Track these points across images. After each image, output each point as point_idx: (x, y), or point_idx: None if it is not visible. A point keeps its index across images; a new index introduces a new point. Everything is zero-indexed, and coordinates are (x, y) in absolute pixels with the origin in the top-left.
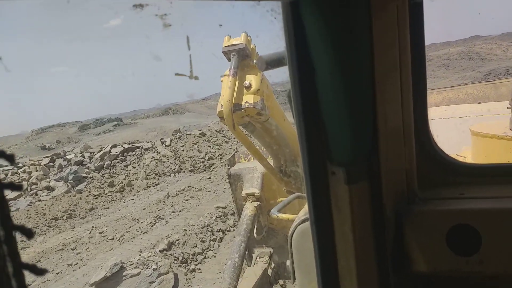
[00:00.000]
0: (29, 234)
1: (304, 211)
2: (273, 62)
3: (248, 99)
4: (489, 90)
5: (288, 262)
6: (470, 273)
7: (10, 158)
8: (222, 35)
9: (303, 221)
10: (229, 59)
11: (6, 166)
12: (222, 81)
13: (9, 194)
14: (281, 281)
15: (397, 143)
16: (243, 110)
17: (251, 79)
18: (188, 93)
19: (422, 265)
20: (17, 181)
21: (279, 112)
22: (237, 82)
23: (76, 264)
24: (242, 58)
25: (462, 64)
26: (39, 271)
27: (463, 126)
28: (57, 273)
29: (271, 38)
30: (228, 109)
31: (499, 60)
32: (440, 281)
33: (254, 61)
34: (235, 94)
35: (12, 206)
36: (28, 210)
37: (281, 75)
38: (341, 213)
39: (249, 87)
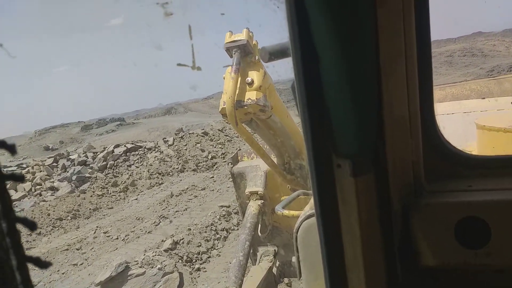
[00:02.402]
0: (32, 226)
1: (310, 206)
2: (277, 53)
3: (251, 95)
4: (492, 85)
5: (293, 259)
6: (479, 266)
7: (12, 149)
8: (225, 24)
9: (309, 216)
10: (231, 56)
11: (10, 167)
12: (224, 78)
13: (13, 194)
14: (286, 280)
15: (403, 134)
16: (245, 107)
17: (254, 76)
18: (191, 84)
19: (430, 258)
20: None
21: (282, 109)
22: (239, 79)
23: (82, 264)
24: (244, 54)
25: (465, 60)
26: (43, 264)
27: (468, 121)
28: (63, 273)
29: (275, 27)
30: (231, 106)
31: (501, 57)
32: (448, 274)
33: (256, 57)
34: (237, 90)
35: (17, 206)
36: (32, 211)
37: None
38: (347, 206)
39: (251, 83)
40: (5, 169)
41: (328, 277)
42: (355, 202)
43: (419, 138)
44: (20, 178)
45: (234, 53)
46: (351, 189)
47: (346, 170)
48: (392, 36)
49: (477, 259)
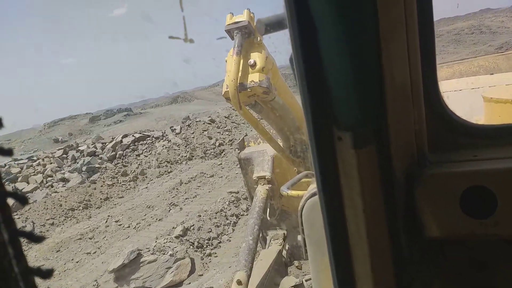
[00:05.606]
0: (23, 200)
1: (314, 185)
2: (273, 24)
3: (254, 77)
4: (501, 61)
5: (299, 238)
6: (485, 236)
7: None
8: None
9: (313, 194)
10: (232, 38)
11: (21, 159)
12: (226, 61)
13: (25, 187)
14: (296, 262)
15: (405, 103)
16: (248, 89)
17: (256, 57)
18: (185, 58)
19: (435, 229)
20: (33, 174)
21: (286, 91)
22: (241, 61)
23: (95, 252)
24: (246, 36)
25: (473, 38)
26: (36, 238)
27: (476, 97)
28: (77, 262)
29: None
30: (234, 89)
31: (510, 33)
32: (454, 245)
33: (258, 39)
34: (240, 73)
35: (29, 198)
36: (45, 202)
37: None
38: (349, 180)
39: (254, 65)
40: (15, 162)
41: (332, 253)
42: (357, 175)
43: (422, 107)
44: (8, 152)
45: (236, 35)
46: (352, 162)
47: (347, 142)
48: (391, 3)
49: (483, 228)
